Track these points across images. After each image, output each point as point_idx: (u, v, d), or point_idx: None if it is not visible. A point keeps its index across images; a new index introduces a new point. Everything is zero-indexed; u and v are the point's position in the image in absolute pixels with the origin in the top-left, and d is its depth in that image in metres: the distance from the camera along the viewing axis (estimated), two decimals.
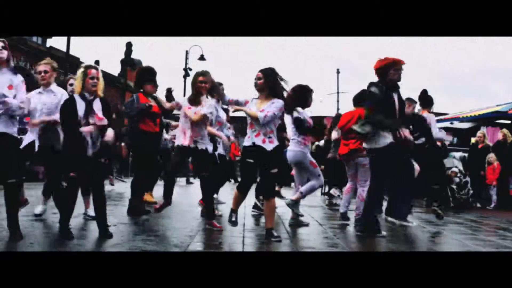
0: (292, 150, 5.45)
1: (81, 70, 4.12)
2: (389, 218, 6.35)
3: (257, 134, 4.40)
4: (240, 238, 4.47)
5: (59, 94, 4.70)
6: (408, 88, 6.33)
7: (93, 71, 4.09)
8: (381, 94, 4.62)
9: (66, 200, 4.18)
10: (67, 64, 14.86)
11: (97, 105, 4.12)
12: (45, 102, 4.64)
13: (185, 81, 23.40)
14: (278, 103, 4.37)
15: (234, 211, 4.64)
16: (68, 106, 4.07)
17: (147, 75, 5.83)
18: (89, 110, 4.07)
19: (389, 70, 4.67)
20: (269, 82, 4.43)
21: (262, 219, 6.08)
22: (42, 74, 4.67)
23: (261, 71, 4.48)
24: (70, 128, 4.06)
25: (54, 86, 4.75)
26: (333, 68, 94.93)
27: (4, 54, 3.95)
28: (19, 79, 3.96)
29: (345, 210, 5.77)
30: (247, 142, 4.47)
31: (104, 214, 4.21)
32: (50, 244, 3.91)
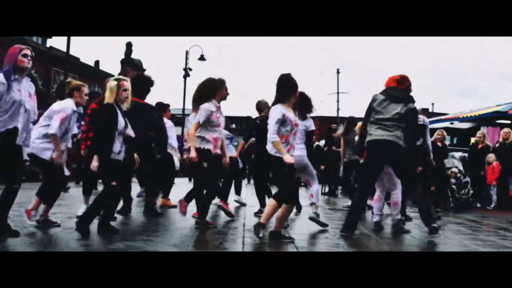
0: (299, 155, 5.33)
1: (114, 82, 4.27)
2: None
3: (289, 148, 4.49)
4: (240, 238, 4.47)
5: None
6: None
7: (125, 83, 4.32)
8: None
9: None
10: (67, 64, 14.84)
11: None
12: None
13: (185, 81, 23.33)
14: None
15: (263, 226, 4.39)
16: (111, 114, 4.22)
17: (148, 86, 5.83)
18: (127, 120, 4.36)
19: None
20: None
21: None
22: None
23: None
24: (110, 135, 4.20)
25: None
26: (333, 68, 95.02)
27: (30, 64, 3.97)
28: (33, 88, 4.10)
29: (378, 219, 5.59)
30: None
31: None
32: (50, 244, 3.91)
